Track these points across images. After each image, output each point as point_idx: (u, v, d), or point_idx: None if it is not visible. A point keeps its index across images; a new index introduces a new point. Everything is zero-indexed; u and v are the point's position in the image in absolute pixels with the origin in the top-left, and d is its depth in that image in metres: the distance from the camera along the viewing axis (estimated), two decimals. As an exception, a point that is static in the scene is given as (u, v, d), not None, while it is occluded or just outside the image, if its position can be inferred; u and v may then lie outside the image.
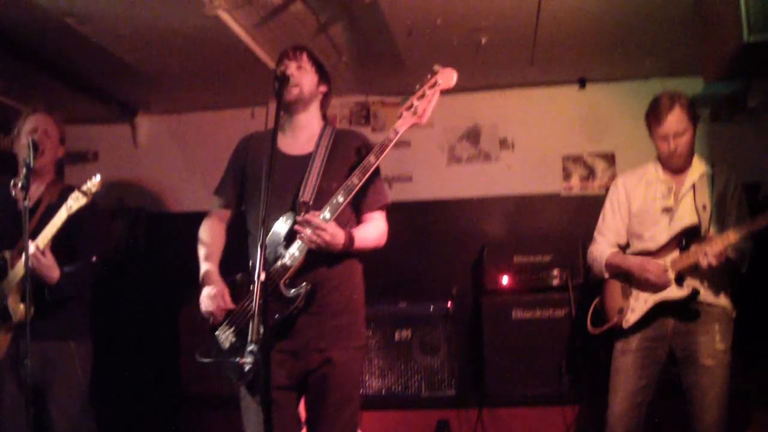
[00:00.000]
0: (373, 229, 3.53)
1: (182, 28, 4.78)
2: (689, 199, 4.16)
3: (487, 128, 6.60)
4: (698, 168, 4.20)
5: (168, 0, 4.33)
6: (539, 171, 6.46)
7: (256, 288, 2.78)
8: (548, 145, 6.48)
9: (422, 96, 3.37)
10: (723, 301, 4.09)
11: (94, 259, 4.15)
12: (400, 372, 5.60)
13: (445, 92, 3.47)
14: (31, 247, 3.75)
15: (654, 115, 4.10)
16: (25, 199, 3.63)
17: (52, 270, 3.85)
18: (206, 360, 3.44)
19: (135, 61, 5.39)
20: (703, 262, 3.85)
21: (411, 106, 3.37)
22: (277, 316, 3.25)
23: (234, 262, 3.60)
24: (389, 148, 3.34)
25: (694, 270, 4.00)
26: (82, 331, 4.20)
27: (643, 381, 4.11)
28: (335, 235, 3.23)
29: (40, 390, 3.99)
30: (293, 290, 3.25)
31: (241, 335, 3.31)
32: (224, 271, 3.55)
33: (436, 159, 6.63)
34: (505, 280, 5.71)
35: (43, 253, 3.80)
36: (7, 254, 3.99)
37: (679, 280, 4.04)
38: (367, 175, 3.31)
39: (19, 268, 3.90)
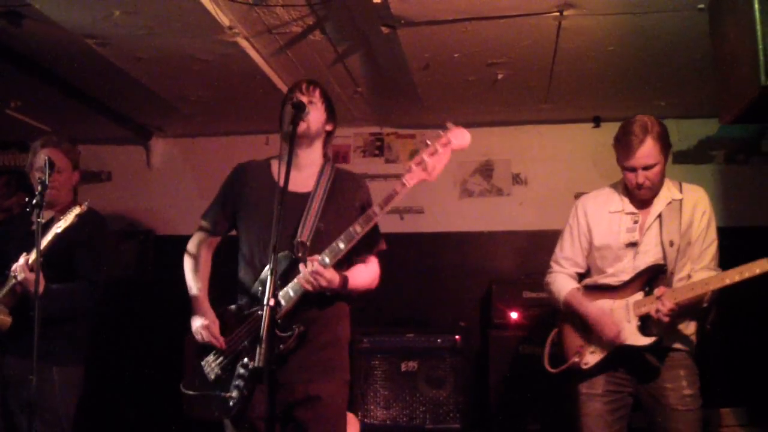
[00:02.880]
0: (367, 272, 3.54)
1: (201, 54, 4.82)
2: (655, 231, 3.90)
3: (501, 163, 6.62)
4: (666, 195, 3.93)
5: (187, 26, 4.36)
6: (551, 207, 6.45)
7: (265, 314, 2.78)
8: (561, 182, 6.48)
9: (434, 153, 3.29)
10: (688, 344, 3.86)
11: (93, 280, 4.16)
12: (406, 403, 5.58)
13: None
14: (21, 260, 3.79)
15: (622, 146, 3.85)
16: (38, 216, 3.63)
17: (33, 285, 3.75)
18: (191, 392, 3.43)
19: (152, 84, 5.43)
20: (655, 317, 3.67)
21: (421, 162, 3.29)
22: None
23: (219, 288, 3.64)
24: (394, 201, 3.30)
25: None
26: (70, 356, 4.15)
27: (615, 426, 3.89)
28: (332, 280, 3.24)
29: (9, 410, 3.97)
30: (286, 331, 3.24)
31: (227, 368, 3.33)
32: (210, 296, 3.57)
33: (449, 192, 6.64)
34: (513, 315, 5.69)
35: (31, 268, 3.79)
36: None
37: (644, 325, 3.79)
38: (370, 225, 3.30)
39: (10, 281, 3.92)
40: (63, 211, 4.15)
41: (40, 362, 3.77)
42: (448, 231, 6.61)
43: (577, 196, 6.33)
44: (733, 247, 4.04)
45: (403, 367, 5.63)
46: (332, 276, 3.24)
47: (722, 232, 3.98)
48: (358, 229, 3.27)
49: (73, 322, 4.15)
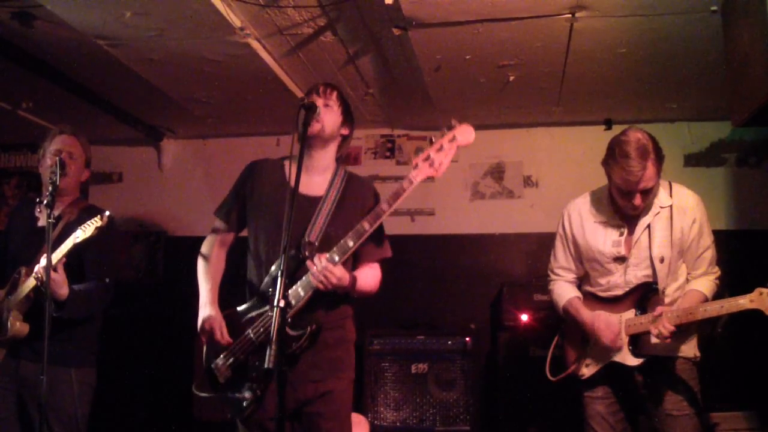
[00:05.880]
0: (372, 277, 3.54)
1: (212, 56, 4.82)
2: (644, 245, 3.77)
3: (512, 165, 6.61)
4: (655, 204, 3.77)
5: (199, 27, 4.36)
6: (562, 210, 6.43)
7: (275, 314, 2.77)
8: (572, 184, 6.40)
9: (440, 149, 3.26)
10: (685, 350, 3.80)
11: (107, 280, 4.13)
12: (416, 405, 5.58)
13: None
14: (43, 261, 3.72)
15: (620, 169, 3.63)
16: (49, 217, 3.61)
17: (61, 286, 3.77)
18: (204, 395, 3.44)
19: (163, 85, 5.44)
20: (657, 338, 3.60)
21: (428, 158, 3.27)
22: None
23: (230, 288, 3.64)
24: (402, 197, 3.28)
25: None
26: (84, 357, 4.14)
27: (619, 426, 3.88)
28: (342, 278, 3.23)
29: (27, 413, 3.95)
30: (298, 330, 3.23)
31: (238, 370, 3.32)
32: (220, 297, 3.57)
33: (460, 194, 6.64)
34: (524, 317, 5.68)
35: (54, 269, 3.74)
36: (23, 270, 3.97)
37: (634, 344, 3.75)
38: (378, 222, 3.29)
39: (26, 285, 3.89)
40: (71, 207, 4.16)
41: (58, 366, 3.84)
42: (459, 233, 6.60)
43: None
44: (745, 250, 4.02)
45: (414, 369, 5.63)
46: (342, 273, 3.23)
47: (734, 235, 3.95)
48: (366, 226, 3.26)
49: (85, 324, 4.12)
